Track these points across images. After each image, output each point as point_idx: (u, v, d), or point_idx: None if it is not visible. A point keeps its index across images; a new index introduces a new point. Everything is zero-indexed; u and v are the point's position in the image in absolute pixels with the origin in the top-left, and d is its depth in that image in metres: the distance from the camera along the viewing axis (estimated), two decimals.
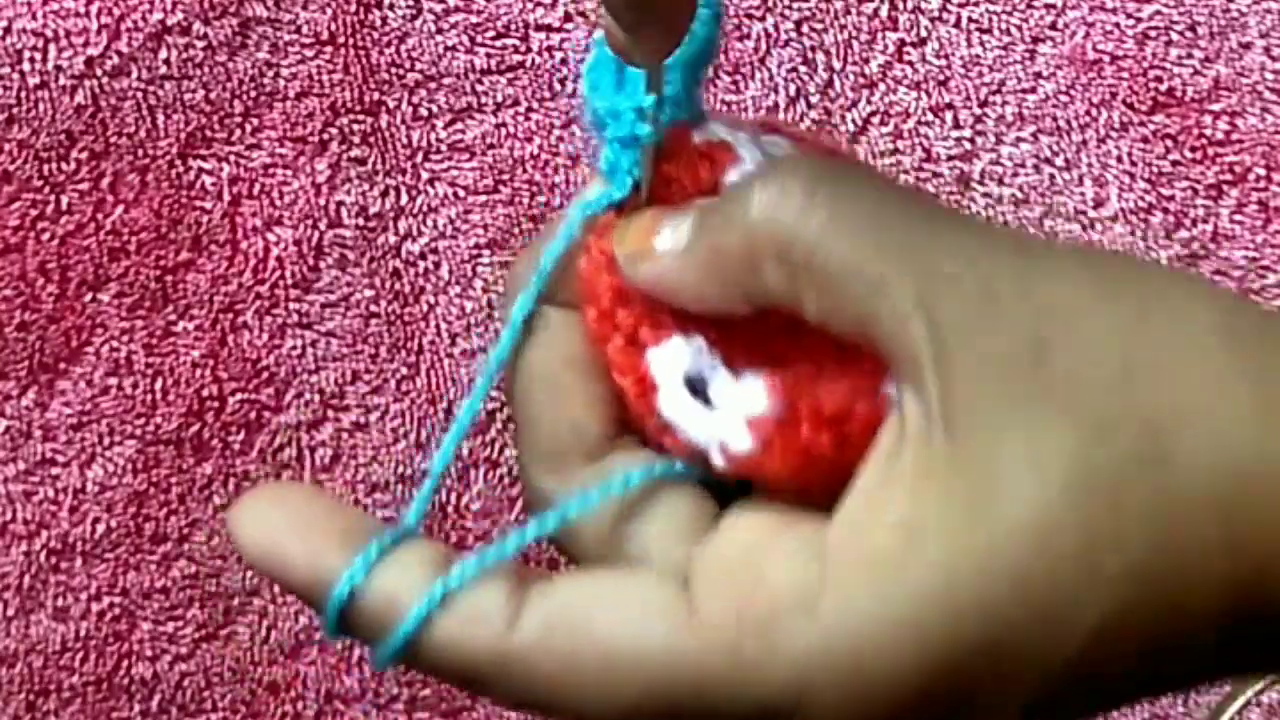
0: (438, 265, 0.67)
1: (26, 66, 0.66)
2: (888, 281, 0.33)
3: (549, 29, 0.68)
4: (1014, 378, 0.33)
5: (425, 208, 0.67)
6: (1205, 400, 0.33)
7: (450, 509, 0.66)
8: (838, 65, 0.69)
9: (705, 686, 0.35)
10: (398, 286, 0.67)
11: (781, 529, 0.36)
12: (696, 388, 0.38)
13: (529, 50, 0.68)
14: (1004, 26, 0.69)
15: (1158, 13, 0.69)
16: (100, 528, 0.66)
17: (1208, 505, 0.32)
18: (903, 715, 0.34)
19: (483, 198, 0.68)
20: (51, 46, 0.67)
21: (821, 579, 0.34)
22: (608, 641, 0.35)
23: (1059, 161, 0.68)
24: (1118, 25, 0.69)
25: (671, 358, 0.38)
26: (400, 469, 0.67)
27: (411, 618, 0.35)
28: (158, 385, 0.66)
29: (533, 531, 0.37)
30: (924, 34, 0.69)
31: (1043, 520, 0.33)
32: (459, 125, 0.68)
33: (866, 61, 0.69)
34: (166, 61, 0.67)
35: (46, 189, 0.66)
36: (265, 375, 0.67)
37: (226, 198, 0.67)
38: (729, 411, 0.37)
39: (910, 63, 0.69)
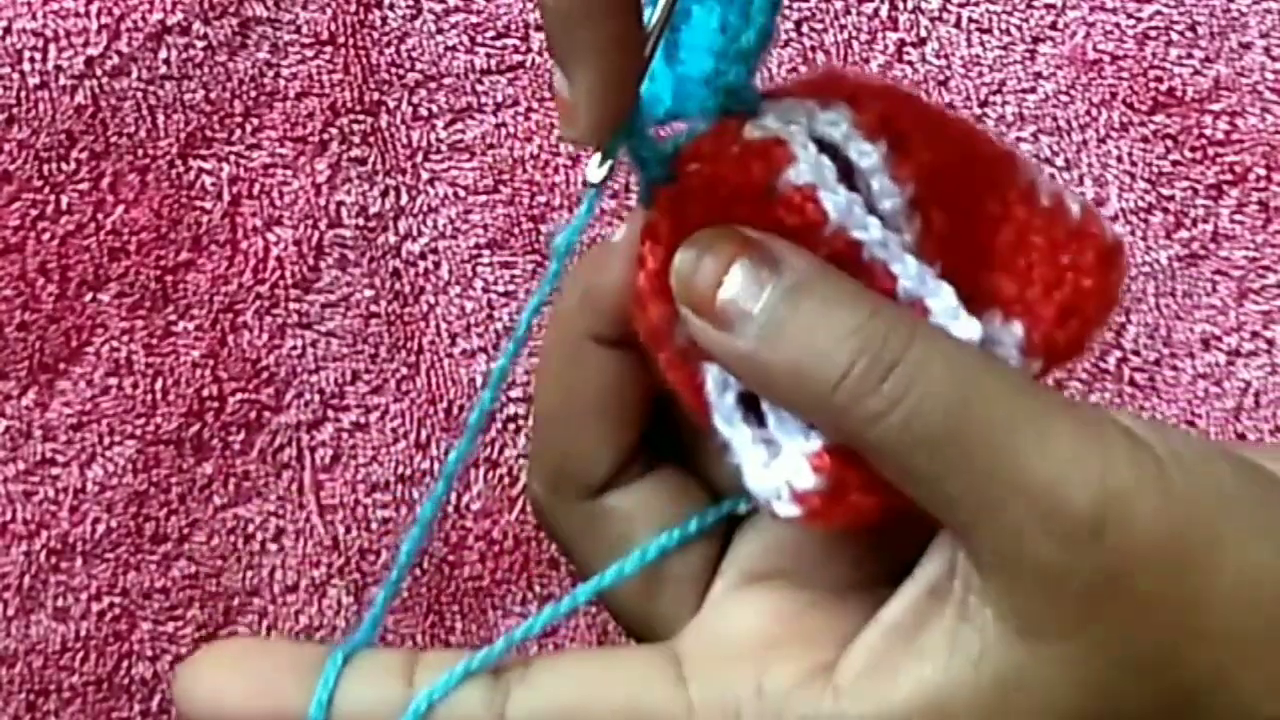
0: (438, 265, 0.67)
1: (26, 66, 0.66)
2: (964, 491, 0.33)
3: None
4: (1074, 601, 0.33)
5: (425, 208, 0.67)
6: (1245, 670, 0.33)
7: (450, 509, 0.66)
8: (838, 65, 0.68)
9: None
10: (398, 286, 0.67)
11: (788, 631, 0.36)
12: (750, 406, 0.37)
13: (529, 50, 0.68)
14: (1004, 26, 0.69)
15: (1158, 13, 0.69)
16: (100, 528, 0.66)
17: None
18: None
19: (483, 198, 0.68)
20: (51, 46, 0.66)
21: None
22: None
23: (1059, 161, 0.68)
24: (1118, 25, 0.69)
25: (724, 375, 0.36)
26: (400, 469, 0.67)
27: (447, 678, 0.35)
28: (158, 385, 0.66)
29: (521, 633, 0.36)
30: (924, 34, 0.69)
31: None
32: (459, 125, 0.68)
33: (866, 61, 0.69)
34: (166, 61, 0.67)
35: (46, 189, 0.66)
36: (265, 375, 0.67)
37: (226, 198, 0.67)
38: (773, 468, 0.36)
39: (910, 63, 0.69)
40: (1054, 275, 0.37)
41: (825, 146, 0.36)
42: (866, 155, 0.36)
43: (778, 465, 0.35)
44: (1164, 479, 0.33)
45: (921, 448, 0.33)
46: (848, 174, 0.36)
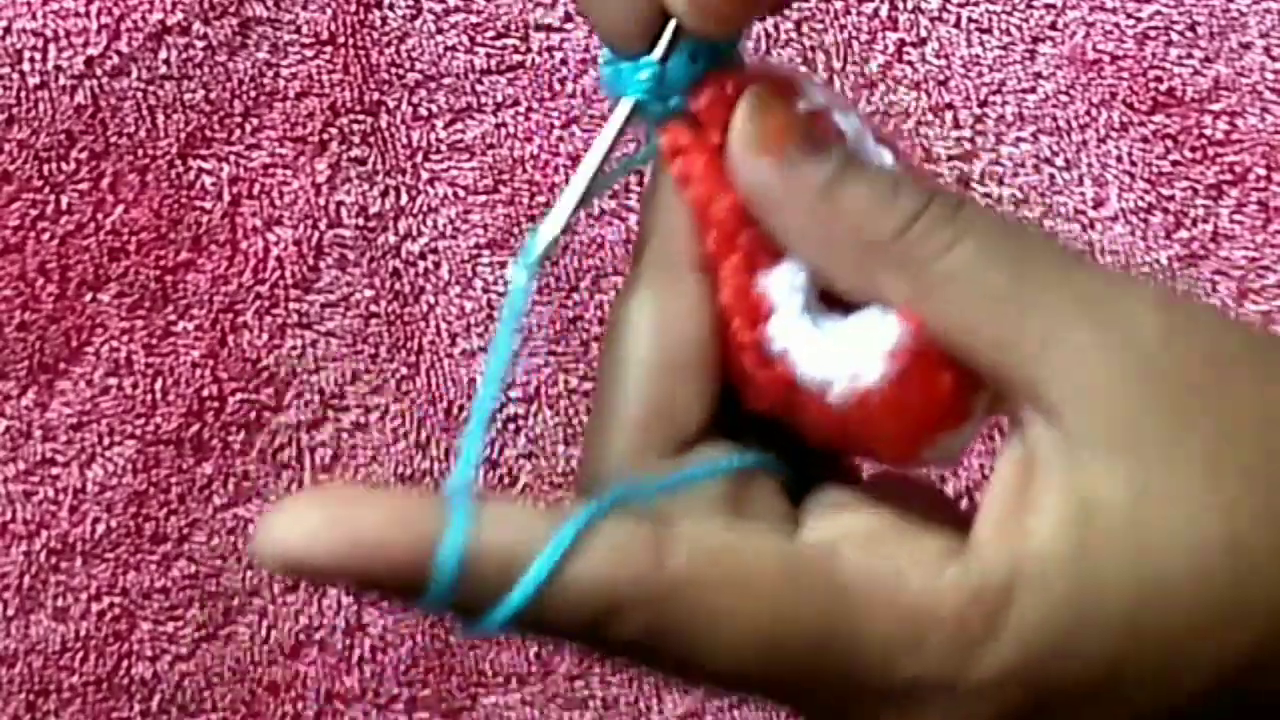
0: (438, 265, 0.67)
1: (26, 66, 0.66)
2: (1034, 316, 0.33)
3: (549, 29, 0.68)
4: (1163, 415, 0.33)
5: (425, 208, 0.67)
6: None
7: None
8: (838, 65, 0.68)
9: (857, 659, 0.34)
10: (398, 286, 0.67)
11: (905, 530, 0.35)
12: (817, 312, 0.37)
13: (529, 50, 0.68)
14: (1004, 26, 0.69)
15: (1158, 13, 0.69)
16: (100, 528, 0.66)
17: None
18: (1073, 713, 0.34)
19: (483, 198, 0.68)
20: (51, 46, 0.67)
21: (982, 579, 0.34)
22: (768, 590, 0.33)
23: (1059, 161, 0.68)
24: (1118, 25, 0.69)
25: (793, 276, 0.36)
26: (400, 469, 0.67)
27: (548, 555, 0.32)
28: (158, 385, 0.66)
29: (647, 489, 0.34)
30: (924, 34, 0.69)
31: (1196, 554, 0.33)
32: (459, 125, 0.68)
33: (866, 61, 0.69)
34: (166, 61, 0.67)
35: (46, 189, 0.66)
36: (265, 375, 0.67)
37: (226, 198, 0.67)
38: (855, 340, 0.36)
39: (910, 63, 0.69)
40: None
41: None
42: (852, 121, 0.36)
43: (857, 338, 0.35)
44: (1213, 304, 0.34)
45: (995, 271, 0.33)
46: None
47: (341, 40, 0.68)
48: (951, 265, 0.34)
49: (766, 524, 0.36)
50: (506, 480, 0.66)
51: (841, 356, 0.36)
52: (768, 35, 0.68)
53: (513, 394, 0.67)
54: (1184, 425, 0.33)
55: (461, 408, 0.67)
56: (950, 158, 0.68)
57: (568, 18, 0.68)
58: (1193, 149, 0.69)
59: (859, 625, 0.33)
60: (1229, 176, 0.69)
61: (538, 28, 0.68)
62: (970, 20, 0.69)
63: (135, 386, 0.66)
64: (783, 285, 0.36)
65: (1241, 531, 0.33)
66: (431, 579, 0.31)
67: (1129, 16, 0.69)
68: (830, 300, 0.36)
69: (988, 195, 0.68)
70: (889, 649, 0.33)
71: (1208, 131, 0.69)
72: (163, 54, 0.67)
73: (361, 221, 0.67)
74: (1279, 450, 0.33)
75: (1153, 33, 0.69)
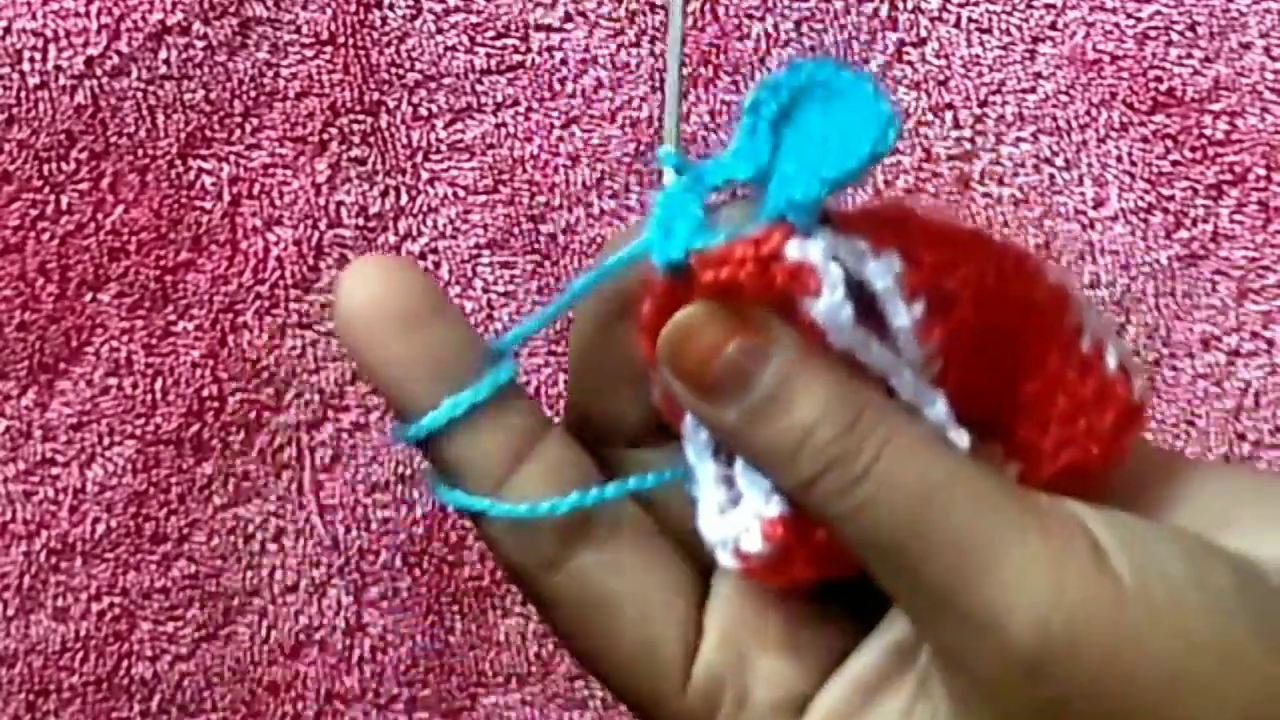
0: (438, 265, 0.67)
1: (26, 66, 0.66)
2: (917, 597, 0.33)
3: (549, 29, 0.68)
4: None
5: (425, 208, 0.67)
6: None
7: (450, 509, 0.66)
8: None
9: None
10: None
11: (784, 638, 0.36)
12: (722, 458, 0.37)
13: (529, 50, 0.68)
14: (1004, 26, 0.69)
15: (1158, 13, 0.69)
16: (100, 528, 0.66)
17: None
18: None
19: (483, 198, 0.68)
20: (51, 46, 0.66)
21: None
22: (617, 653, 0.36)
23: (1059, 161, 0.68)
24: (1118, 25, 0.69)
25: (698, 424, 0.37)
26: (400, 469, 0.67)
27: (473, 504, 0.36)
28: (158, 385, 0.66)
29: (595, 496, 0.37)
30: (924, 34, 0.69)
31: None
32: (459, 125, 0.68)
33: (866, 61, 0.69)
34: (166, 61, 0.67)
35: (46, 189, 0.66)
36: (265, 375, 0.67)
37: (226, 198, 0.67)
38: (729, 524, 0.36)
39: (910, 63, 0.69)
40: (1066, 437, 0.36)
41: (863, 289, 0.35)
42: (899, 316, 0.35)
43: (731, 518, 0.36)
44: (1120, 614, 0.32)
45: (881, 549, 0.33)
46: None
47: (341, 40, 0.68)
48: (846, 531, 0.34)
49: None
50: None
51: (710, 527, 0.36)
52: (768, 36, 0.68)
53: None
54: None
55: None
56: (950, 158, 0.68)
57: (568, 18, 0.68)
58: (1193, 149, 0.69)
59: None
60: (1229, 176, 0.69)
61: (538, 28, 0.68)
62: (970, 20, 0.69)
63: (135, 386, 0.66)
64: (693, 420, 0.37)
65: None
66: (405, 437, 0.36)
67: (1129, 16, 0.69)
68: None
69: (988, 195, 0.68)
70: None
71: (1208, 131, 0.69)
72: (163, 54, 0.67)
73: (361, 221, 0.67)
74: None
75: (1153, 33, 0.69)
